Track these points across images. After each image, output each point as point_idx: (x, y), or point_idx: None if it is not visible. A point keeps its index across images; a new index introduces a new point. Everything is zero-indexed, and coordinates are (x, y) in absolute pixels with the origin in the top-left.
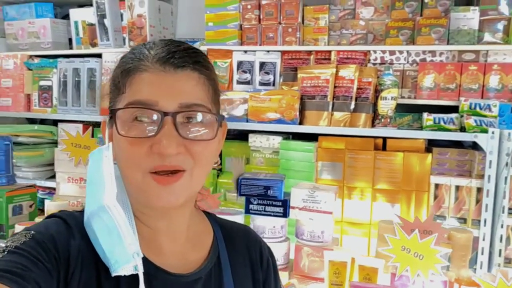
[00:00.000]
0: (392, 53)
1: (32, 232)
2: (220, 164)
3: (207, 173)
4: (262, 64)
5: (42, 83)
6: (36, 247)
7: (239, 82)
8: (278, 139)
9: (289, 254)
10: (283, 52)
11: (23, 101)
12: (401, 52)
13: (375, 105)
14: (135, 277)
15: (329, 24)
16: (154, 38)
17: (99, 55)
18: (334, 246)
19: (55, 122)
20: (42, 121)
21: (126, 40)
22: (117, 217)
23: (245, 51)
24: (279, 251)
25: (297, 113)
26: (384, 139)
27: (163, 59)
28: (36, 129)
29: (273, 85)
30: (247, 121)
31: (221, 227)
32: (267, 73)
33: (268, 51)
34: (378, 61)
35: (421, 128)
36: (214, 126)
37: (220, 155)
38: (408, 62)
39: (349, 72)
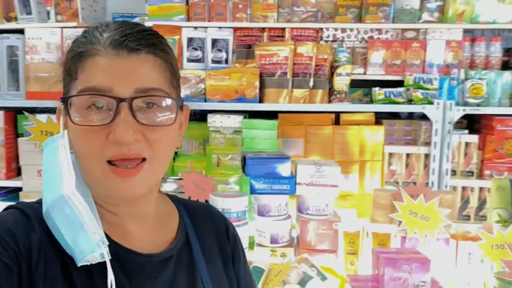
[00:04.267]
0: (343, 30)
1: None
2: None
3: (168, 159)
4: (214, 41)
5: None
6: None
7: (190, 60)
8: (239, 118)
9: (291, 230)
10: (235, 29)
11: None
12: (351, 29)
13: (330, 81)
14: (105, 263)
15: (278, 1)
16: (85, 11)
17: (20, 31)
18: (337, 218)
19: None
20: None
21: (52, 14)
22: (78, 206)
23: (195, 28)
24: (284, 228)
25: (257, 91)
26: (337, 114)
27: (116, 42)
28: None
29: (226, 62)
30: (205, 101)
31: (185, 207)
32: (220, 50)
33: (220, 27)
34: (330, 38)
35: (371, 102)
36: (173, 110)
37: None
38: (357, 39)
39: (307, 49)
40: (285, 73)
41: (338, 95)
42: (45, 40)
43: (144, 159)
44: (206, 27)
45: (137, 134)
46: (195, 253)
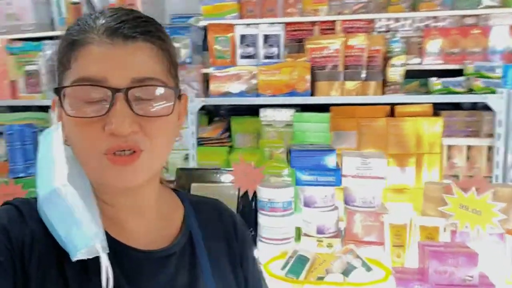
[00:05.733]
0: (396, 20)
1: None
2: (230, 140)
3: (168, 150)
4: (266, 37)
5: (27, 68)
6: None
7: (243, 57)
8: (290, 111)
9: (338, 221)
10: (286, 24)
11: (8, 89)
12: (405, 19)
13: (384, 72)
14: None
15: None
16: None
17: None
18: (385, 210)
19: (43, 109)
20: (27, 109)
21: None
22: (71, 199)
23: (248, 25)
24: (330, 219)
25: (309, 85)
26: (392, 105)
27: (111, 30)
28: (26, 117)
29: (278, 57)
30: (257, 96)
31: (190, 202)
32: (271, 45)
33: (271, 23)
34: (383, 29)
35: (428, 92)
36: (171, 100)
37: (230, 132)
38: (412, 28)
39: (358, 40)
40: (336, 66)
41: (392, 87)
42: None
43: (141, 151)
44: (258, 24)
45: (134, 125)
46: (199, 251)
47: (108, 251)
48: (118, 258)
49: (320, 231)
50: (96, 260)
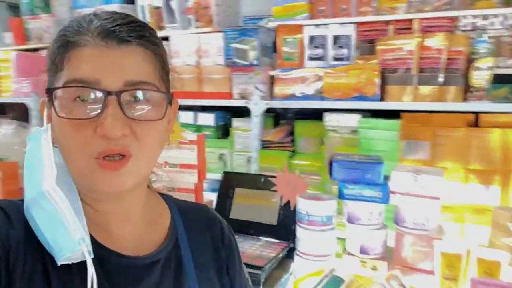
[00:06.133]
0: (485, 17)
1: None
2: (293, 145)
3: (156, 154)
4: (336, 38)
5: None
6: None
7: (311, 58)
8: (356, 117)
9: (386, 242)
10: (358, 24)
11: None
12: (495, 15)
13: (466, 76)
14: (86, 263)
15: None
16: (220, 17)
17: (166, 39)
18: (441, 235)
19: None
20: None
21: (192, 21)
22: (59, 202)
23: (317, 25)
24: (376, 239)
25: (378, 89)
26: (476, 114)
27: (105, 33)
28: None
29: (348, 59)
30: (322, 99)
31: (178, 207)
32: (341, 47)
33: (342, 23)
34: (469, 27)
35: None
36: (162, 105)
37: (293, 136)
38: (504, 26)
39: (436, 41)
40: (410, 69)
41: (476, 93)
42: (185, 45)
43: (130, 156)
44: (328, 24)
45: (125, 128)
46: (185, 257)
47: (92, 256)
48: (102, 263)
49: (364, 251)
50: (80, 264)
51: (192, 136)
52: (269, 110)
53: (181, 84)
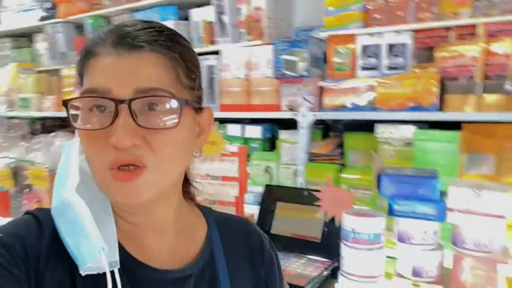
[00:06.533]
0: None
1: (0, 234)
2: (342, 158)
3: (178, 166)
4: (391, 47)
5: None
6: (3, 251)
7: (364, 68)
8: (411, 128)
9: (443, 264)
10: (415, 31)
11: None
12: None
13: None
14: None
15: None
16: (271, 30)
17: (217, 52)
18: (506, 257)
19: None
20: None
21: (244, 35)
22: (79, 210)
23: (371, 34)
24: (431, 261)
25: (436, 98)
26: None
27: (116, 41)
28: None
29: (404, 68)
30: (373, 110)
31: (216, 220)
32: (397, 55)
33: (398, 31)
34: None
35: None
36: (177, 112)
37: (343, 148)
38: None
39: (503, 46)
40: (472, 77)
41: None
42: (235, 58)
43: (144, 167)
44: (382, 32)
45: (136, 138)
46: (220, 273)
47: (118, 267)
48: (131, 275)
49: (417, 273)
50: (105, 274)
51: (233, 148)
52: (318, 122)
53: (230, 97)
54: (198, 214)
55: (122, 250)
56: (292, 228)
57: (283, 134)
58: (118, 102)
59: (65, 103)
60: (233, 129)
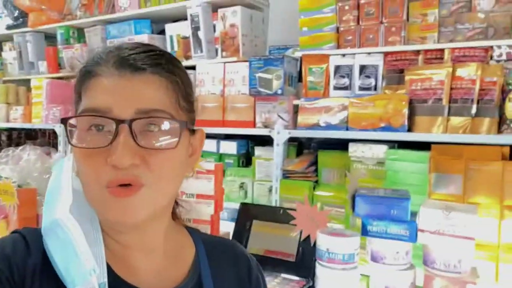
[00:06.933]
0: None
1: None
2: (316, 175)
3: (174, 186)
4: (363, 68)
5: None
6: None
7: (336, 88)
8: (383, 148)
9: (415, 283)
10: (385, 54)
11: None
12: None
13: (501, 108)
14: None
15: (439, 19)
16: (246, 47)
17: (193, 67)
18: (475, 278)
19: None
20: None
21: (219, 51)
22: (71, 231)
23: (343, 55)
24: (403, 281)
25: (406, 119)
26: (511, 147)
27: (119, 62)
28: None
29: (375, 89)
30: (346, 129)
31: (204, 242)
32: (368, 76)
33: (369, 53)
34: (504, 57)
35: None
36: (177, 134)
37: (316, 166)
38: None
39: (469, 71)
40: (440, 99)
41: (511, 124)
42: (210, 74)
43: (141, 185)
44: (354, 54)
45: (135, 158)
46: None
47: None
48: None
49: None
50: None
51: (209, 165)
52: (293, 139)
53: (205, 113)
54: (186, 235)
55: (109, 271)
56: (267, 246)
57: (258, 151)
58: (119, 121)
59: (65, 121)
60: (209, 145)
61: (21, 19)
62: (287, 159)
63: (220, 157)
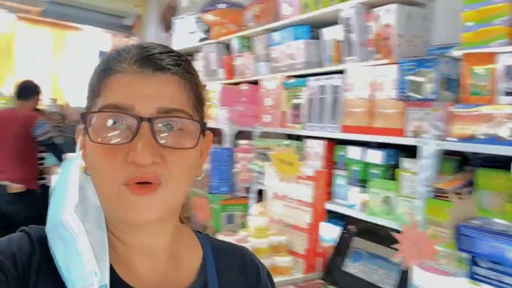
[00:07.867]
0: None
1: None
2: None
3: (185, 186)
4: None
5: (294, 101)
6: None
7: (507, 93)
8: None
9: None
10: None
11: (279, 118)
12: None
13: None
14: None
15: None
16: (402, 48)
17: (341, 72)
18: None
19: (300, 138)
20: (298, 137)
21: (372, 54)
22: (76, 231)
23: None
24: None
25: None
26: None
27: (141, 60)
28: (284, 144)
29: None
30: (510, 145)
31: (212, 247)
32: None
33: None
34: None
35: None
36: (195, 134)
37: (473, 187)
38: None
39: None
40: None
41: None
42: (360, 78)
43: (159, 184)
44: None
45: (156, 155)
46: None
47: None
48: None
49: None
50: None
51: (309, 171)
52: (451, 153)
53: (351, 118)
54: (194, 238)
55: (112, 272)
56: (364, 270)
57: (406, 163)
58: (140, 119)
59: (85, 116)
60: (353, 152)
61: (208, 33)
62: (441, 175)
63: (365, 166)
